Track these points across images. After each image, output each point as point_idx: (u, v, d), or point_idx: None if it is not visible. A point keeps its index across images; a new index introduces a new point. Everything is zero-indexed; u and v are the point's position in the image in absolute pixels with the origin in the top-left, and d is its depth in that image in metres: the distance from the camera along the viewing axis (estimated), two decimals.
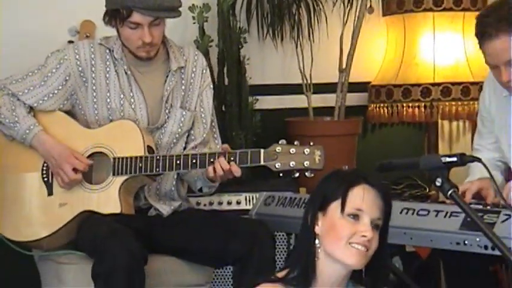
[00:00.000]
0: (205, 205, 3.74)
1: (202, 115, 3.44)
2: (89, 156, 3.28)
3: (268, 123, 4.18)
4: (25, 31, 3.86)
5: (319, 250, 2.47)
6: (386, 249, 2.52)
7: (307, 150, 3.02)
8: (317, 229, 2.47)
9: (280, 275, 2.50)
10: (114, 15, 3.24)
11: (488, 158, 3.36)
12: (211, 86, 3.49)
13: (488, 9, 3.20)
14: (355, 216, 2.43)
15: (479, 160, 2.67)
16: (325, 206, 2.47)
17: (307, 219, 2.50)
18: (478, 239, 2.84)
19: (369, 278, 2.49)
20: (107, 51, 3.34)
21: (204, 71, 3.45)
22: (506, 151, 3.33)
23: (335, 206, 2.45)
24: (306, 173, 3.04)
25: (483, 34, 3.12)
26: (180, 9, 3.31)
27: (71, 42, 3.65)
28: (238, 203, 3.82)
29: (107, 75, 3.33)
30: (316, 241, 2.47)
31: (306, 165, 3.01)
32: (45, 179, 3.30)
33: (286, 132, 4.12)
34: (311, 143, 3.03)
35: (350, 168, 2.65)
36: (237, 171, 3.12)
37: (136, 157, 3.19)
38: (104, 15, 3.31)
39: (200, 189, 3.37)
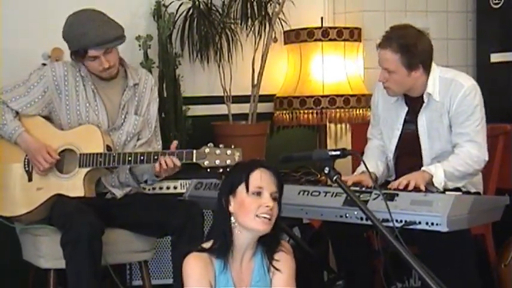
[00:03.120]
0: (149, 190, 3.70)
1: (149, 121, 3.41)
2: (61, 152, 3.24)
3: (197, 126, 4.15)
4: (8, 55, 3.77)
5: (236, 225, 2.51)
6: (279, 218, 2.55)
7: (229, 152, 3.00)
8: (230, 208, 2.51)
9: (205, 245, 2.53)
10: (76, 54, 3.23)
11: (377, 145, 3.44)
12: (157, 100, 3.47)
13: (389, 31, 3.23)
14: (258, 193, 2.47)
15: (356, 153, 2.76)
16: (234, 190, 2.50)
17: (222, 203, 2.52)
18: (356, 213, 2.87)
19: (270, 238, 2.53)
20: (76, 69, 3.30)
21: (153, 88, 3.43)
22: (387, 142, 3.38)
23: (241, 188, 2.49)
24: (228, 169, 2.99)
25: (379, 44, 3.20)
26: (129, 38, 3.28)
27: (44, 64, 3.61)
28: (175, 187, 3.79)
29: (77, 89, 3.29)
30: (232, 219, 2.51)
31: (228, 163, 3.00)
32: (26, 169, 3.26)
33: (212, 133, 4.11)
34: (232, 146, 3.02)
35: (248, 159, 2.65)
36: (177, 163, 3.10)
37: (97, 153, 3.17)
38: (70, 54, 3.29)
39: (145, 181, 3.37)
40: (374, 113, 3.48)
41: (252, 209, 2.46)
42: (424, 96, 3.22)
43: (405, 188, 2.99)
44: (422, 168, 3.14)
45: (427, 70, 3.20)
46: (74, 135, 3.25)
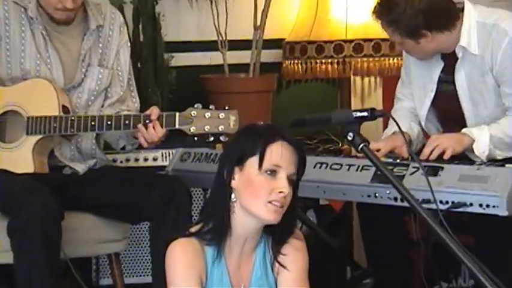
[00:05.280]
0: (121, 162, 3.70)
1: (119, 73, 3.39)
2: (2, 115, 3.21)
3: (183, 80, 4.16)
4: None
5: (235, 204, 2.47)
6: (297, 202, 2.52)
7: (222, 115, 3.00)
8: (233, 183, 2.46)
9: (193, 229, 2.50)
10: None
11: (408, 107, 3.47)
12: (129, 44, 3.45)
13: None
14: (273, 172, 2.42)
15: (388, 115, 2.72)
16: (243, 160, 2.45)
17: (223, 173, 2.48)
18: (388, 192, 2.90)
19: (280, 227, 2.49)
20: (22, 9, 3.26)
21: (122, 29, 3.41)
22: (418, 106, 3.40)
23: (253, 161, 2.44)
24: (221, 137, 3.03)
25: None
26: None
27: None
28: (154, 159, 3.79)
29: (22, 35, 3.26)
30: (232, 195, 2.47)
31: (220, 129, 3.00)
32: None
33: (202, 89, 4.11)
34: (226, 108, 3.01)
35: (266, 124, 2.64)
36: (160, 132, 3.09)
37: (50, 117, 3.15)
38: None
39: (123, 148, 3.36)
40: (406, 66, 3.49)
41: (262, 192, 2.43)
42: (457, 50, 3.22)
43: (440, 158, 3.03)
44: (463, 130, 3.16)
45: (446, 28, 3.17)
46: (20, 93, 3.23)
